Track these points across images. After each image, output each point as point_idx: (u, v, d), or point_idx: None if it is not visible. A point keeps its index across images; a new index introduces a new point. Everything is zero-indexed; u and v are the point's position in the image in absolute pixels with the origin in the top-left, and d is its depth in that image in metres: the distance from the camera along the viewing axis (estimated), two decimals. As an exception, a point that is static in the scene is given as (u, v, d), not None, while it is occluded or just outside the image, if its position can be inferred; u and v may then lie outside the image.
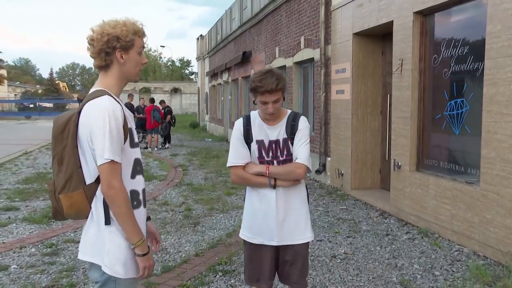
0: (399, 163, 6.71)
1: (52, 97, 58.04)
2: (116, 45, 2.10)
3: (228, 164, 2.88)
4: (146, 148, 16.53)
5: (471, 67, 5.51)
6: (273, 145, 2.82)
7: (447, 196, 5.65)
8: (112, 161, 1.99)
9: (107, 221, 2.07)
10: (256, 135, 2.84)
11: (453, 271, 4.67)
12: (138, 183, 2.19)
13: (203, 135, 23.76)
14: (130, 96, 16.87)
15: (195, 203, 7.73)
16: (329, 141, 9.41)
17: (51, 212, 2.15)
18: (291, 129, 2.79)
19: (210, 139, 20.99)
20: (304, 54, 10.73)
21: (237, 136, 2.86)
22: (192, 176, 10.61)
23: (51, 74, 70.05)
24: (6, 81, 59.62)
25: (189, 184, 9.44)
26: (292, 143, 2.80)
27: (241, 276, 4.50)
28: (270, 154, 2.83)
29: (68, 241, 5.61)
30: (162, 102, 18.16)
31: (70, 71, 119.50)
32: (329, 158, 9.44)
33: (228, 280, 4.43)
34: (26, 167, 12.11)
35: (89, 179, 2.07)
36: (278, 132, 2.82)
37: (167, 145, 17.45)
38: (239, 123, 2.89)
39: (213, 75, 24.92)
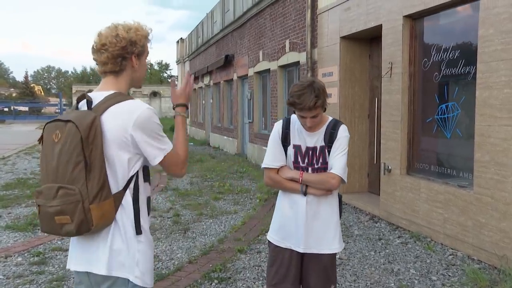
0: (389, 167, 6.71)
1: (27, 100, 56.86)
2: (134, 50, 2.04)
3: (263, 166, 2.82)
4: None
5: (462, 70, 5.54)
6: (310, 152, 2.75)
7: (439, 200, 5.66)
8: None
9: (139, 231, 2.01)
10: (294, 139, 2.77)
11: (449, 275, 4.66)
12: (147, 189, 2.15)
13: (184, 139, 23.47)
14: None
15: (183, 209, 7.60)
16: (316, 145, 9.36)
17: (72, 228, 1.87)
18: (330, 137, 2.72)
19: (192, 143, 20.79)
20: (289, 57, 10.70)
21: (275, 138, 2.80)
22: (177, 181, 10.45)
23: (26, 77, 68.69)
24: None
25: (175, 189, 9.29)
26: (329, 152, 2.72)
27: (237, 284, 4.42)
28: (306, 160, 2.75)
29: (55, 249, 5.42)
30: None
31: (46, 74, 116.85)
32: (316, 162, 9.39)
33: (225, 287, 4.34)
34: (5, 173, 11.76)
35: (115, 188, 1.96)
36: (316, 139, 2.75)
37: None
38: (278, 125, 2.83)
39: (194, 78, 24.74)
